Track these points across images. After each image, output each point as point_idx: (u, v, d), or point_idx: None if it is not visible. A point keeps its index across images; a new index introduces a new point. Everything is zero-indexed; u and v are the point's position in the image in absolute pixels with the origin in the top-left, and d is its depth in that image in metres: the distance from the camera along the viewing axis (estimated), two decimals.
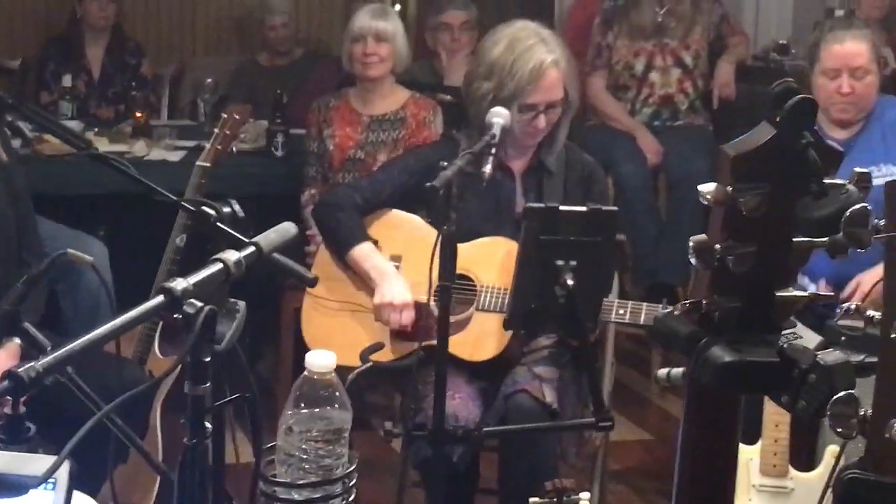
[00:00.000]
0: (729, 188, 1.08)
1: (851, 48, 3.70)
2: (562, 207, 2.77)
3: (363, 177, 3.83)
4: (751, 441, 3.12)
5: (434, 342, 2.72)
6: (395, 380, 3.46)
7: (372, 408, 4.45)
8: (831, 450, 3.04)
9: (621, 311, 3.08)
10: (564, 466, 3.19)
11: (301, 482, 1.71)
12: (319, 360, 1.74)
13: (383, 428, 2.83)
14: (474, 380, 3.16)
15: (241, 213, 2.22)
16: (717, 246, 1.10)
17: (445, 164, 2.75)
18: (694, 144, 4.92)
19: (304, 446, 1.69)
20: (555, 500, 2.38)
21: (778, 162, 1.07)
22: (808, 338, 1.13)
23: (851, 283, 3.44)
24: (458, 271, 3.18)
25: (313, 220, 3.68)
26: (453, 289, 3.17)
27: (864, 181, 1.08)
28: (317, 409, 1.72)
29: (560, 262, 2.70)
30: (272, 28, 5.89)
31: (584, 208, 2.78)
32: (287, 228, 1.82)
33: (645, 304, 3.11)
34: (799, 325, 1.16)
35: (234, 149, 3.46)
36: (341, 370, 3.23)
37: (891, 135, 3.77)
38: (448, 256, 2.72)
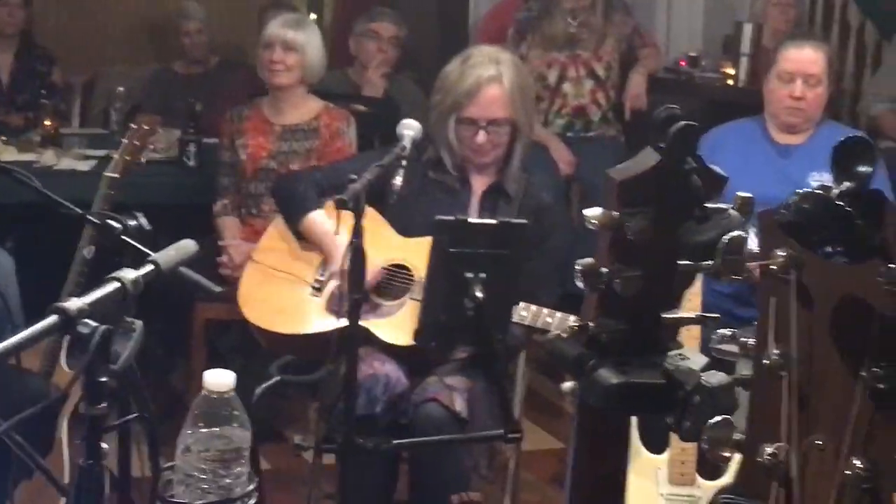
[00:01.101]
0: (615, 213, 1.09)
1: (809, 55, 3.82)
2: (471, 220, 2.79)
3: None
4: (659, 450, 3.16)
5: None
6: (306, 390, 3.48)
7: (284, 419, 4.43)
8: (738, 459, 3.09)
9: (549, 320, 3.12)
10: (477, 478, 3.21)
11: (199, 502, 1.70)
12: (218, 379, 1.72)
13: (293, 441, 2.84)
14: (399, 361, 3.20)
15: (147, 226, 2.20)
16: (604, 270, 1.11)
17: (354, 176, 2.77)
18: (606, 155, 4.96)
19: (202, 466, 1.68)
20: None
21: (662, 187, 1.09)
22: (695, 359, 1.15)
23: None
24: (399, 262, 3.32)
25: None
26: (392, 277, 3.25)
27: (746, 205, 1.10)
28: (216, 429, 1.70)
29: (469, 275, 2.71)
30: (187, 34, 5.85)
31: (493, 221, 2.79)
32: (187, 246, 1.81)
33: (572, 316, 3.13)
34: (685, 346, 1.18)
35: (143, 159, 3.43)
36: (271, 337, 3.32)
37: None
38: (358, 269, 2.74)
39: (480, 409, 3.15)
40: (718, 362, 1.17)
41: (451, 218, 2.83)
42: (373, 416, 3.00)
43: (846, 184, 0.95)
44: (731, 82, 5.28)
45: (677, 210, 1.09)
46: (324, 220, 3.41)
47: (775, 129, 3.92)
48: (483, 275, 2.71)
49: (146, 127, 3.37)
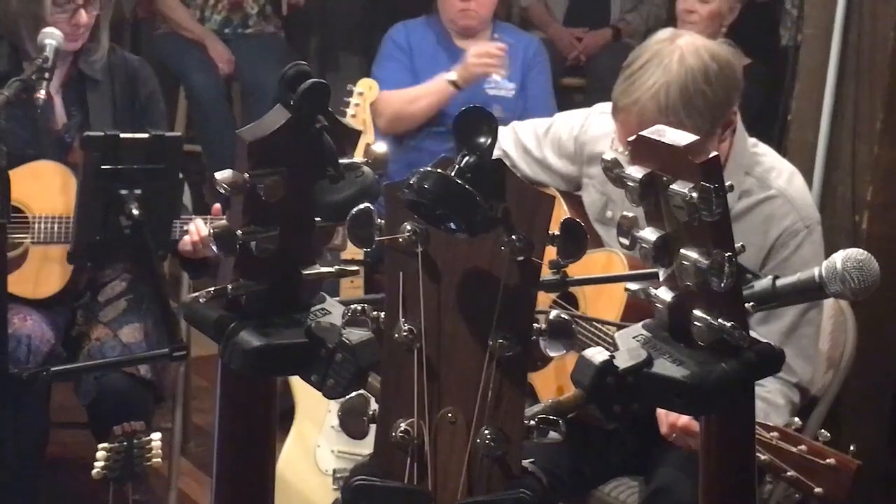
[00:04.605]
0: (246, 174, 1.06)
1: None
2: (122, 135, 2.69)
3: None
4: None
5: None
6: None
7: None
8: None
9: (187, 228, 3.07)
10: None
11: None
12: None
13: None
14: (44, 309, 3.04)
15: None
16: (239, 231, 1.08)
17: None
18: (266, 52, 4.90)
19: None
20: (125, 443, 2.35)
21: (294, 146, 1.06)
22: (336, 313, 1.15)
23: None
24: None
25: None
26: None
27: (379, 161, 1.09)
28: None
29: (124, 192, 2.63)
30: None
31: (146, 135, 2.70)
32: None
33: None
34: (328, 299, 1.17)
35: None
36: None
37: (509, 53, 3.95)
38: (2, 192, 2.59)
39: (158, 338, 3.06)
40: None
41: (101, 134, 2.70)
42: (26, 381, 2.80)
43: (467, 158, 0.95)
44: None
45: (310, 169, 1.07)
46: None
47: (454, 32, 4.02)
48: (138, 191, 2.64)
49: None
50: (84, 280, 3.11)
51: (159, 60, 4.70)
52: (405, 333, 1.02)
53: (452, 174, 0.94)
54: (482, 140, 0.96)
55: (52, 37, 2.85)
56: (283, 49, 5.01)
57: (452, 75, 3.85)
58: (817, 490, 2.19)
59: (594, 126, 2.78)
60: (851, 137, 3.28)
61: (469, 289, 1.01)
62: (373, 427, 1.04)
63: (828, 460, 2.19)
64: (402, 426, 1.01)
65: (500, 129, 2.98)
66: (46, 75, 2.81)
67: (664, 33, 2.50)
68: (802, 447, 2.21)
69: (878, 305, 3.21)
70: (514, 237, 0.99)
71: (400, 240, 1.01)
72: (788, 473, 2.21)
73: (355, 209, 1.01)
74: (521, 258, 1.00)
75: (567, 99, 5.10)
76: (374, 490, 1.01)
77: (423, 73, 3.97)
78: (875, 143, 3.26)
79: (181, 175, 2.77)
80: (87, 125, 3.07)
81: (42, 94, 2.80)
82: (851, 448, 2.22)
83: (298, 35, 5.33)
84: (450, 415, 1.01)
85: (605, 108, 2.73)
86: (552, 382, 2.65)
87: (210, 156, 4.77)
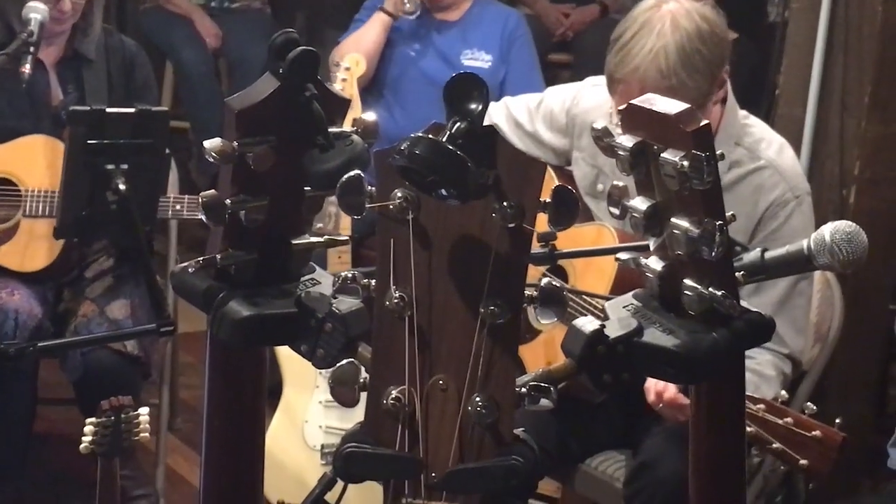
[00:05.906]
0: (235, 143, 1.06)
1: None
2: (109, 110, 2.67)
3: None
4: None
5: None
6: None
7: None
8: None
9: (178, 207, 3.05)
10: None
11: None
12: None
13: None
14: (32, 284, 3.03)
15: None
16: (228, 201, 1.07)
17: None
18: (252, 27, 4.88)
19: None
20: (112, 418, 2.34)
21: (283, 115, 1.06)
22: (326, 283, 1.14)
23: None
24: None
25: None
26: None
27: (369, 130, 1.08)
28: None
29: (110, 167, 2.61)
30: None
31: (132, 110, 2.69)
32: None
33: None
34: (318, 269, 1.17)
35: None
36: None
37: (487, 26, 3.98)
38: None
39: (145, 314, 3.05)
40: None
41: (87, 108, 2.69)
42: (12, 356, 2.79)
43: (458, 123, 0.94)
44: None
45: (299, 138, 1.06)
46: None
47: (432, 6, 3.99)
48: (125, 166, 2.62)
49: None
50: (74, 257, 3.10)
51: (145, 36, 4.68)
52: (396, 301, 1.02)
53: (444, 140, 0.94)
54: (473, 106, 0.96)
55: (36, 10, 2.84)
56: (269, 24, 4.99)
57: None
58: (802, 462, 2.20)
59: (586, 99, 2.78)
60: (839, 112, 3.27)
61: (460, 256, 1.01)
62: (363, 396, 1.04)
63: (813, 433, 2.20)
64: (394, 394, 1.01)
65: (492, 103, 3.01)
66: (31, 49, 2.80)
67: (649, 2, 2.50)
68: (788, 419, 2.22)
69: (865, 279, 3.22)
70: (505, 204, 0.99)
71: (391, 207, 1.01)
72: (774, 445, 2.22)
73: (345, 177, 1.01)
74: (512, 225, 1.00)
75: (554, 75, 5.08)
76: (365, 457, 1.01)
77: (400, 43, 3.95)
78: (863, 117, 3.26)
79: (168, 151, 2.76)
80: (83, 103, 3.06)
81: (27, 68, 2.79)
82: (837, 421, 2.23)
83: (285, 10, 5.30)
84: (441, 382, 1.01)
85: (596, 81, 2.73)
86: (541, 357, 2.66)
87: (198, 131, 4.76)
